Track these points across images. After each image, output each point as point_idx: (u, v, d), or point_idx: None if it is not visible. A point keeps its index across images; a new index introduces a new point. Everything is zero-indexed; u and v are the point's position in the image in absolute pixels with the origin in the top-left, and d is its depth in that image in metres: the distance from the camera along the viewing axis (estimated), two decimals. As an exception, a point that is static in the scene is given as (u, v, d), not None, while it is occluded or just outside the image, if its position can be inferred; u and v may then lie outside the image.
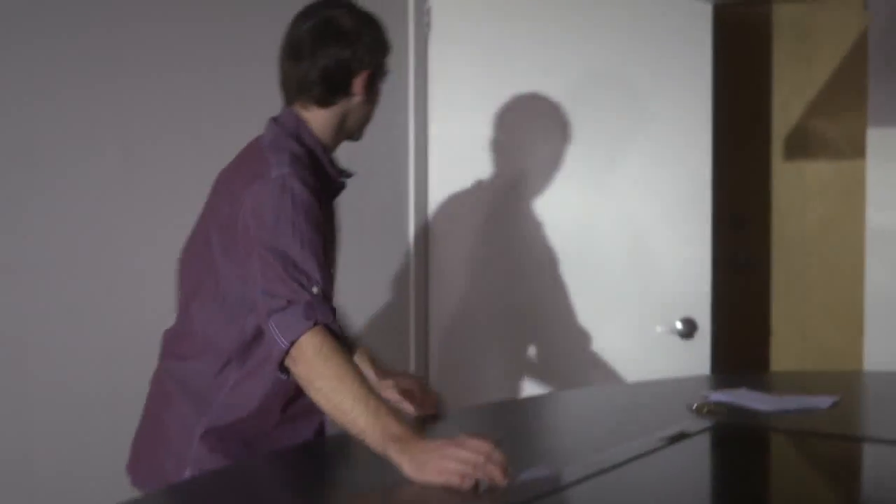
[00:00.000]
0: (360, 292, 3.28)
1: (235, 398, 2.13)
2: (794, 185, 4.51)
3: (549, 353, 3.52)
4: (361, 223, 3.33)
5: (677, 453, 2.10)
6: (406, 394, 2.41)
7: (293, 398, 2.16)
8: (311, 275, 1.92)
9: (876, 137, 4.00)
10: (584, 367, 3.45)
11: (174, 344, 2.24)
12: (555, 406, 2.75)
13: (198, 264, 2.17)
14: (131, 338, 2.68)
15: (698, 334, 3.51)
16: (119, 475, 2.25)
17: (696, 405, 2.46)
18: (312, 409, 2.05)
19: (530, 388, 3.49)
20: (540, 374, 3.52)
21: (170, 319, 2.26)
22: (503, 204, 3.51)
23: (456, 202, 3.55)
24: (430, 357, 3.61)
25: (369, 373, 2.41)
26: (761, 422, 2.36)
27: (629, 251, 3.54)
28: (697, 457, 2.17)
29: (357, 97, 2.18)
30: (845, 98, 4.31)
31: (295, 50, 2.16)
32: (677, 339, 3.51)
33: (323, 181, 2.13)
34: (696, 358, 3.47)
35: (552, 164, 3.48)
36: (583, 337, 3.45)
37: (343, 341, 1.92)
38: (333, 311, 1.94)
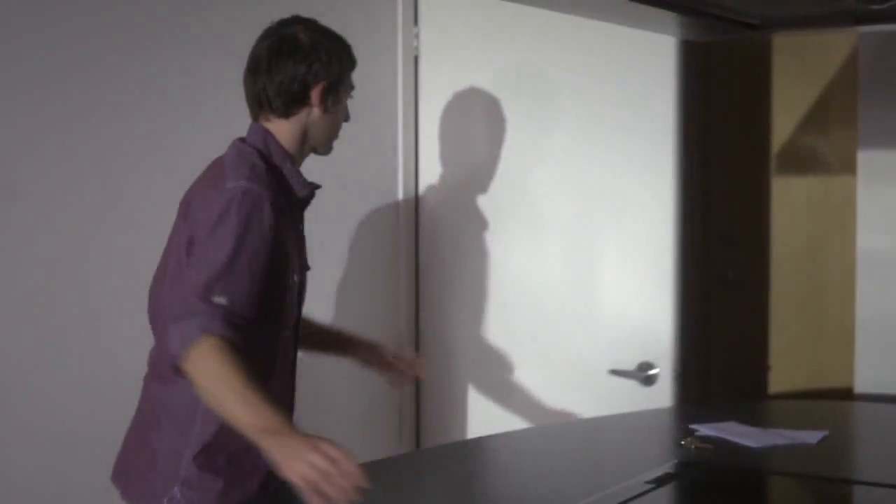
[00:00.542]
0: (349, 301, 3.29)
1: (210, 412, 2.11)
2: (783, 201, 4.49)
3: (509, 389, 3.44)
4: (353, 247, 3.33)
5: (661, 498, 2.08)
6: (397, 360, 2.60)
7: None
8: (226, 288, 2.00)
9: (867, 159, 3.99)
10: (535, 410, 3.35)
11: (157, 366, 2.26)
12: (539, 441, 2.72)
13: (168, 286, 2.19)
14: (118, 340, 2.69)
15: (659, 379, 3.25)
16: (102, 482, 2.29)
17: (683, 441, 2.45)
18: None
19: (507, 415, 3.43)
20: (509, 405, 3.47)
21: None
22: (488, 229, 3.48)
23: (444, 227, 3.53)
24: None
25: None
26: (749, 461, 2.34)
27: (584, 290, 3.40)
28: (683, 501, 2.16)
29: (316, 108, 2.27)
30: (836, 114, 4.29)
31: (254, 66, 2.28)
32: (636, 385, 3.25)
33: (287, 194, 2.23)
34: (655, 404, 3.19)
35: (523, 192, 3.43)
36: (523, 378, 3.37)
37: (238, 351, 1.96)
38: (237, 325, 2.00)
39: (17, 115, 2.55)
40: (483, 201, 3.42)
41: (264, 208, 2.09)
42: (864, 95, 3.96)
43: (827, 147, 4.37)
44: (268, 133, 2.27)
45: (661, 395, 3.24)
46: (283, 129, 2.27)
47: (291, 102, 2.26)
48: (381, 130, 3.42)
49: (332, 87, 2.29)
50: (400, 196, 3.49)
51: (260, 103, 2.28)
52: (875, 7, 2.78)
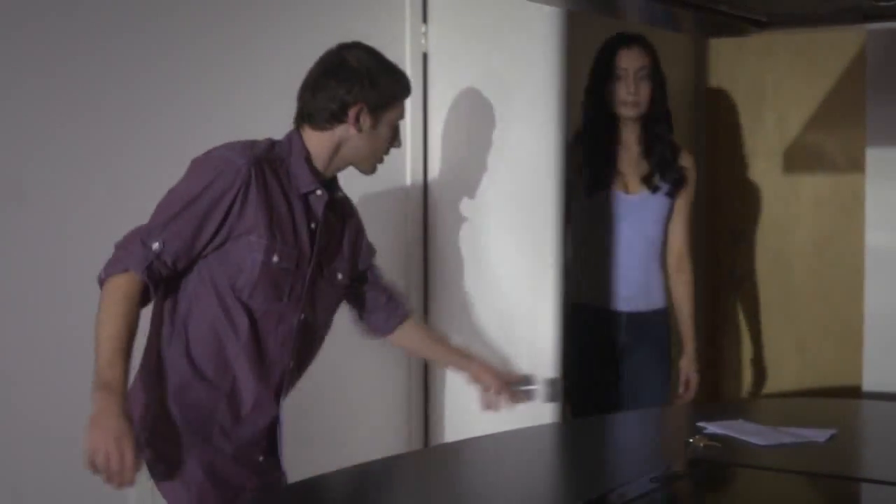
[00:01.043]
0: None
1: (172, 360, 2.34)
2: (791, 199, 4.48)
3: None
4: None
5: (669, 496, 2.08)
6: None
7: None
8: (163, 236, 2.21)
9: (875, 157, 3.98)
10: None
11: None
12: (546, 438, 2.72)
13: None
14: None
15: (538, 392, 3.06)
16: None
17: (691, 439, 2.45)
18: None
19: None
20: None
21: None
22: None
23: (452, 222, 3.53)
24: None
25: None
26: (757, 459, 2.34)
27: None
28: (690, 500, 2.15)
29: (351, 127, 2.38)
30: (843, 112, 4.28)
31: (304, 82, 2.43)
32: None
33: (289, 186, 2.36)
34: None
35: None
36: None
37: (144, 297, 2.21)
38: (157, 272, 2.21)
39: (22, 114, 2.56)
40: (490, 196, 3.41)
41: (235, 181, 2.25)
42: (872, 93, 3.96)
43: (835, 145, 4.36)
44: (297, 134, 2.41)
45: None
46: (315, 138, 2.40)
47: (329, 119, 2.38)
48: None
49: (372, 111, 2.39)
50: (409, 189, 3.49)
51: (302, 116, 2.42)
52: (883, 4, 2.77)
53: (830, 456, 2.39)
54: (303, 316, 2.39)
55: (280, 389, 2.40)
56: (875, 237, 4.02)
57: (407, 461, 2.41)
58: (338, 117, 2.37)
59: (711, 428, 2.53)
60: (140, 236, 2.22)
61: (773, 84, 4.48)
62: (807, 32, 4.22)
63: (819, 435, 2.48)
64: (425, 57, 3.52)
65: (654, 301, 3.55)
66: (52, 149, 2.61)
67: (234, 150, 2.31)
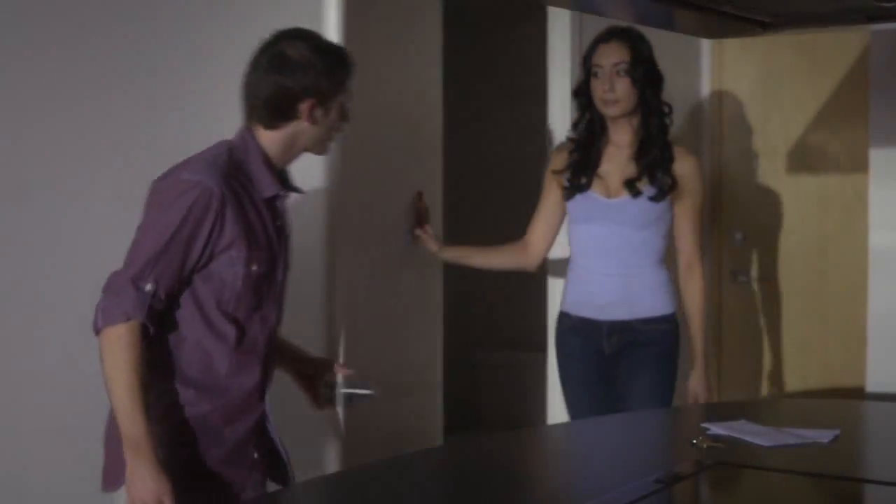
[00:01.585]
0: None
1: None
2: (794, 199, 4.48)
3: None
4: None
5: (673, 497, 2.08)
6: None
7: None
8: (155, 275, 2.19)
9: (878, 157, 3.99)
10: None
11: None
12: (549, 439, 2.73)
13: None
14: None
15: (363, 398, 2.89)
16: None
17: (695, 439, 2.45)
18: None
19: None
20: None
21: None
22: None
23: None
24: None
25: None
26: (761, 460, 2.34)
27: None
28: (694, 500, 2.15)
29: (304, 122, 2.35)
30: (847, 112, 4.28)
31: (248, 79, 2.37)
32: None
33: (254, 190, 2.32)
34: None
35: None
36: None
37: (148, 341, 2.19)
38: (157, 309, 2.20)
39: (22, 114, 2.54)
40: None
41: (211, 203, 2.22)
42: (876, 93, 3.96)
43: (839, 145, 4.36)
44: (251, 134, 2.36)
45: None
46: (268, 137, 2.36)
47: (277, 116, 2.34)
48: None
49: (322, 102, 2.35)
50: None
51: (249, 112, 2.37)
52: (887, 4, 2.77)
53: (834, 457, 2.38)
54: (278, 312, 2.41)
55: (264, 385, 2.40)
56: (879, 237, 4.02)
57: (408, 461, 2.40)
58: (286, 114, 2.33)
59: (715, 429, 2.53)
60: (130, 279, 2.18)
61: (777, 85, 4.48)
62: (810, 33, 4.23)
63: (823, 436, 2.48)
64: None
65: (642, 310, 3.31)
66: (52, 148, 2.60)
67: (199, 170, 2.25)
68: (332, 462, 3.00)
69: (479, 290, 4.78)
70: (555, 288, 3.81)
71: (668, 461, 2.35)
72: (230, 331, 2.30)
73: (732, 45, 4.48)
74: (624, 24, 3.29)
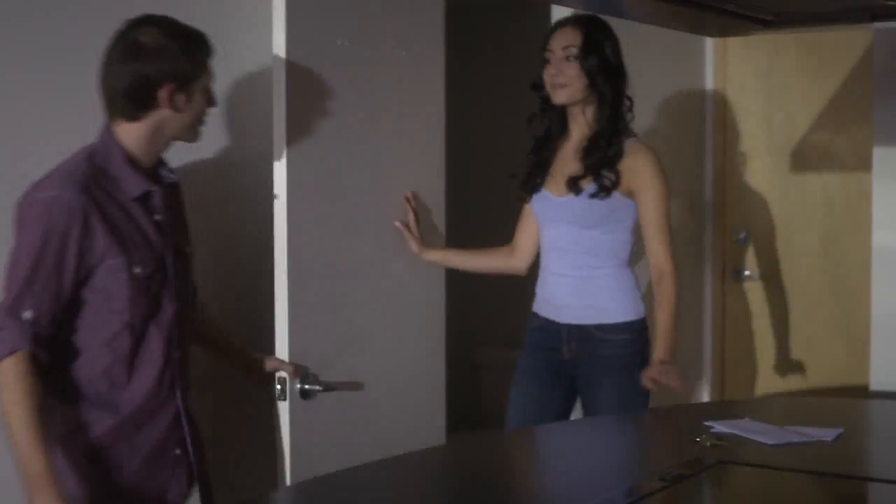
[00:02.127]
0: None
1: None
2: (798, 198, 4.48)
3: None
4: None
5: (677, 495, 2.08)
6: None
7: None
8: (31, 302, 2.14)
9: (882, 156, 3.98)
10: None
11: None
12: (553, 437, 2.72)
13: None
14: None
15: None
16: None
17: (699, 438, 2.45)
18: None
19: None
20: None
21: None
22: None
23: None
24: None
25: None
26: (764, 458, 2.34)
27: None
28: (698, 499, 2.15)
29: (166, 110, 2.29)
30: (851, 111, 4.28)
31: (103, 69, 2.30)
32: None
33: (120, 193, 2.26)
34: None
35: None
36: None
37: (39, 369, 2.15)
38: (44, 336, 2.16)
39: (21, 114, 2.50)
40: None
41: (73, 216, 2.16)
42: (880, 92, 3.96)
43: (842, 144, 4.35)
44: (111, 134, 2.30)
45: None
46: (132, 131, 2.29)
47: (138, 106, 2.27)
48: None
49: (183, 87, 2.29)
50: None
51: (108, 106, 2.30)
52: (891, 3, 2.77)
53: (838, 455, 2.38)
54: (177, 305, 2.35)
55: (174, 382, 2.36)
56: (882, 236, 4.02)
57: (409, 461, 2.40)
58: (146, 103, 2.26)
59: (719, 427, 2.53)
60: (7, 311, 2.14)
61: (781, 83, 4.48)
62: (814, 31, 4.23)
63: (826, 434, 2.48)
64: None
65: (600, 315, 3.09)
66: (52, 148, 2.58)
67: (55, 185, 2.19)
68: (332, 462, 2.99)
69: (480, 290, 4.77)
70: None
71: (672, 459, 2.34)
72: (125, 339, 2.27)
73: (736, 43, 4.48)
74: (589, 12, 3.21)
